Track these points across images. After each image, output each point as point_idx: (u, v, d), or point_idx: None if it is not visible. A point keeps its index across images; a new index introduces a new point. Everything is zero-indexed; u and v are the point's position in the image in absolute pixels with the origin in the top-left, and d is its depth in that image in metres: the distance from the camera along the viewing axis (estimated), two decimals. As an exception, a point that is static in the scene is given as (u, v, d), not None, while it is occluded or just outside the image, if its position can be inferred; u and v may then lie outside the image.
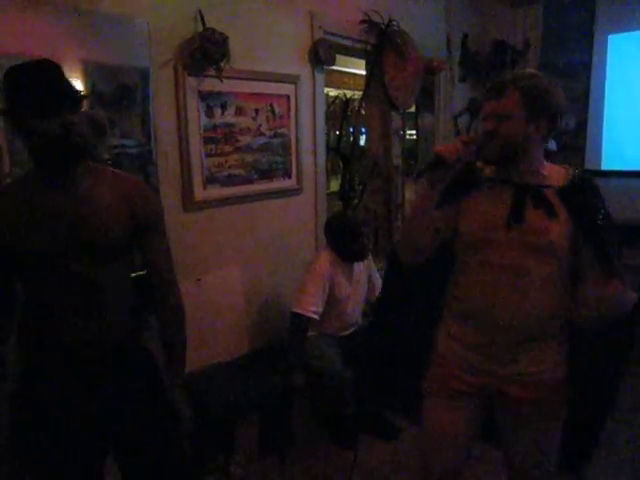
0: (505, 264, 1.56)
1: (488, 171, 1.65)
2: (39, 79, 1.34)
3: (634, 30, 4.18)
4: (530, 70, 1.62)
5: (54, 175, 1.42)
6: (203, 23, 2.57)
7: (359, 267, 3.02)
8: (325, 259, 2.88)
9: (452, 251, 1.68)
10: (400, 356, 2.01)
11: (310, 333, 2.90)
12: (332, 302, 2.88)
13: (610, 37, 4.27)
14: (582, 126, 4.46)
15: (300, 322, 2.79)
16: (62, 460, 1.49)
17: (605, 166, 4.44)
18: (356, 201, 3.79)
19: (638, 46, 4.21)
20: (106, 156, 2.31)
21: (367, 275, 3.10)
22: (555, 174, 1.59)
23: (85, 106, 1.51)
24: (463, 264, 1.66)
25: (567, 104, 1.59)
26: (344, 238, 2.89)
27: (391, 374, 2.16)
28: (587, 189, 1.56)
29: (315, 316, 2.79)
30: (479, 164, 1.66)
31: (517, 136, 1.52)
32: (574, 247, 1.54)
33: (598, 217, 1.54)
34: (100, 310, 1.47)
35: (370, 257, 3.14)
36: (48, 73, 1.37)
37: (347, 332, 3.02)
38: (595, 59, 4.32)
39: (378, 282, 3.14)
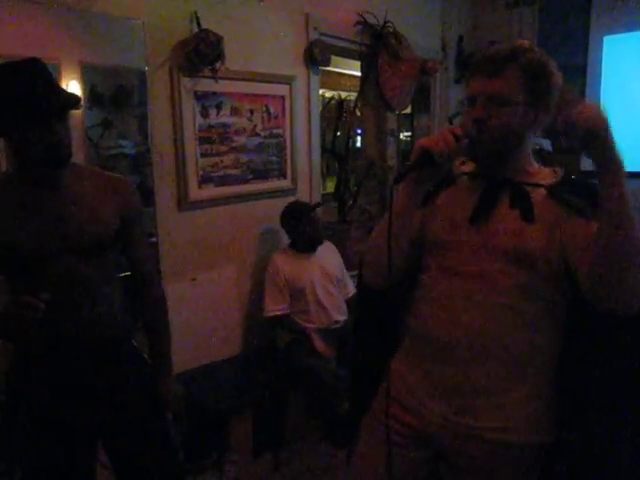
0: (466, 271, 1.26)
1: (464, 165, 1.38)
2: (27, 85, 1.31)
3: (630, 31, 4.18)
4: (524, 41, 1.26)
5: (39, 177, 1.42)
6: (198, 24, 2.59)
7: (319, 254, 3.06)
8: (276, 261, 2.98)
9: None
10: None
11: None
12: (298, 291, 2.95)
13: (606, 38, 4.27)
14: (577, 128, 4.47)
15: (271, 325, 2.99)
16: (52, 454, 1.51)
17: (600, 167, 4.45)
18: (351, 202, 3.80)
19: (634, 47, 4.22)
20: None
21: (335, 262, 3.14)
22: (543, 174, 1.32)
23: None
24: (422, 273, 1.37)
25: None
26: (298, 223, 2.97)
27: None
28: (581, 191, 1.25)
29: (279, 312, 2.93)
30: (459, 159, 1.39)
31: (515, 127, 1.23)
32: (563, 262, 1.20)
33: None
34: (89, 305, 1.48)
35: (333, 247, 3.21)
36: (37, 78, 1.33)
37: (337, 325, 3.01)
38: (590, 61, 4.32)
39: (348, 279, 3.21)
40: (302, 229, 2.98)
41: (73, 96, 1.42)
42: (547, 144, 4.48)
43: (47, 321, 1.42)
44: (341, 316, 3.06)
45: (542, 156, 4.45)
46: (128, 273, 1.68)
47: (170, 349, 1.73)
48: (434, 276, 1.33)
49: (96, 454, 1.63)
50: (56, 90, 1.38)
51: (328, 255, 3.14)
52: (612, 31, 4.25)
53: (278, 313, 2.93)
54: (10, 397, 1.54)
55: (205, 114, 2.77)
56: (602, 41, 4.28)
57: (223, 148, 2.87)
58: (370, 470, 1.41)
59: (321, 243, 3.06)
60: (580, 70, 4.34)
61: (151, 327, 1.71)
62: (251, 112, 2.98)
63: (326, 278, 3.04)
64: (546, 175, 1.32)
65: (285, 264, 2.96)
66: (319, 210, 3.21)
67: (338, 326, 3.02)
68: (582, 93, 4.35)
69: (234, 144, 2.92)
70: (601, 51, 4.29)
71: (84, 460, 1.59)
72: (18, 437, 1.52)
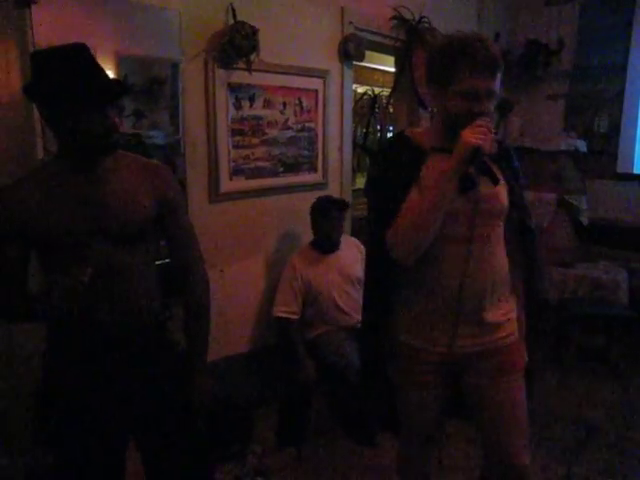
0: (464, 234, 1.55)
1: (426, 140, 1.60)
2: (78, 71, 1.31)
3: (673, 31, 4.08)
4: (493, 42, 1.57)
5: (81, 163, 1.42)
6: (234, 16, 2.59)
7: (339, 254, 2.99)
8: (293, 261, 2.92)
9: None
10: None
11: (326, 328, 2.90)
12: (315, 296, 2.89)
13: (648, 37, 4.17)
14: (615, 129, 4.37)
15: (278, 325, 2.91)
16: (85, 445, 1.51)
17: (638, 170, 4.35)
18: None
19: (677, 48, 4.12)
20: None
21: (357, 259, 3.01)
22: None
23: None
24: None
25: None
26: (322, 218, 2.90)
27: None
28: (512, 155, 1.69)
29: (287, 315, 2.86)
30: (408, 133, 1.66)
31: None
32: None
33: (520, 179, 1.69)
34: (123, 295, 1.48)
35: (357, 244, 3.12)
36: (91, 63, 1.34)
37: (359, 325, 2.85)
38: (631, 60, 4.22)
39: None
40: (321, 226, 2.92)
41: (121, 82, 1.43)
42: (582, 145, 4.40)
43: (86, 308, 1.43)
44: (359, 318, 2.98)
45: (577, 157, 4.39)
46: (166, 261, 1.67)
47: (207, 342, 1.70)
48: (442, 243, 1.55)
49: (126, 446, 1.64)
50: (100, 78, 1.38)
51: (350, 255, 3.03)
52: (655, 30, 4.15)
53: (287, 315, 2.86)
54: (45, 385, 1.55)
55: (238, 106, 2.77)
56: (644, 40, 4.18)
57: (255, 140, 2.88)
58: (420, 406, 1.75)
59: (335, 248, 2.98)
60: (620, 69, 4.24)
61: (190, 317, 1.68)
62: (284, 105, 2.98)
63: (346, 280, 2.95)
64: None
65: (303, 267, 2.90)
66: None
67: (356, 327, 2.94)
68: (622, 92, 4.25)
69: (266, 137, 2.92)
70: (643, 51, 4.19)
71: (115, 452, 1.59)
72: (52, 425, 1.52)
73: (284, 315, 2.86)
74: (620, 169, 4.38)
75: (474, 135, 1.41)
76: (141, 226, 1.50)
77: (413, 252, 1.53)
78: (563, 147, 4.38)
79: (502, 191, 1.59)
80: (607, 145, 4.41)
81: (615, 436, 2.90)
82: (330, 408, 2.98)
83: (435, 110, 1.61)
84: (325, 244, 2.97)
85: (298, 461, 2.69)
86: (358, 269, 2.99)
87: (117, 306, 1.48)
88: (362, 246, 3.12)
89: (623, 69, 4.24)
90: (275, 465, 2.63)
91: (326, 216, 2.90)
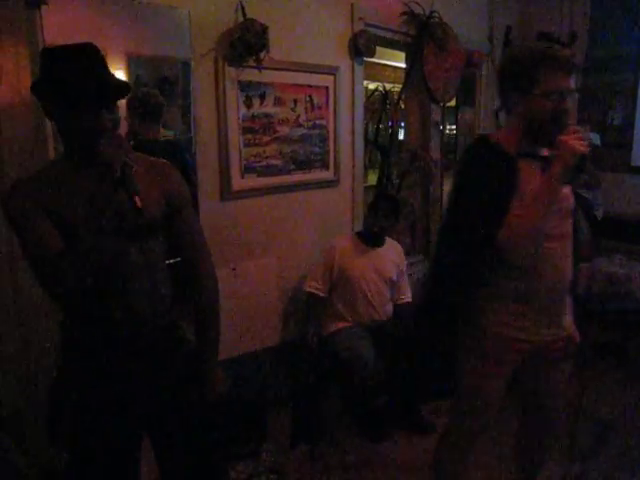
0: (557, 232, 1.69)
1: (510, 146, 1.67)
2: (86, 71, 1.31)
3: (688, 21, 4.01)
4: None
5: (86, 162, 1.41)
6: (244, 13, 2.59)
7: (380, 252, 3.05)
8: (336, 243, 3.02)
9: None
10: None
11: (343, 324, 2.92)
12: (346, 280, 2.94)
13: (662, 29, 4.11)
14: (629, 122, 4.31)
15: (307, 299, 3.03)
16: (97, 443, 1.51)
17: (652, 163, 4.29)
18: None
19: (691, 38, 4.05)
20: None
21: (395, 263, 3.09)
22: None
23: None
24: None
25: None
26: (371, 210, 3.01)
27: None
28: None
29: (313, 290, 2.97)
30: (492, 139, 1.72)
31: None
32: None
33: None
34: (135, 292, 1.48)
35: (400, 250, 3.17)
36: (95, 64, 1.35)
37: (378, 322, 2.99)
38: (645, 52, 4.16)
39: (405, 286, 3.18)
40: (367, 216, 3.06)
41: (123, 84, 1.43)
42: (596, 138, 4.34)
43: (98, 306, 1.44)
44: (383, 317, 3.03)
45: (591, 150, 4.33)
46: (176, 260, 1.66)
47: (218, 340, 1.70)
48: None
49: (140, 444, 1.64)
50: (107, 77, 1.37)
51: (390, 256, 3.09)
52: (669, 21, 4.08)
53: (313, 291, 2.96)
54: (58, 384, 1.56)
55: (249, 104, 2.77)
56: (658, 31, 4.12)
57: (266, 138, 2.87)
58: (493, 393, 1.83)
59: (379, 243, 3.05)
60: (635, 61, 4.18)
61: (199, 315, 1.68)
62: (295, 102, 2.97)
63: (379, 277, 3.00)
64: None
65: (343, 249, 2.98)
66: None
67: (377, 325, 2.99)
68: (635, 84, 4.19)
69: (277, 134, 2.92)
70: (657, 42, 4.12)
71: (128, 449, 1.59)
72: (65, 423, 1.53)
73: (311, 290, 2.98)
74: (635, 162, 4.32)
75: (578, 142, 1.51)
76: (150, 224, 1.49)
77: (532, 253, 1.66)
78: (577, 140, 4.32)
79: (569, 191, 1.73)
80: (621, 138, 4.35)
81: (632, 433, 2.87)
82: (343, 405, 2.98)
83: (515, 116, 1.70)
84: (367, 236, 3.04)
85: (312, 459, 2.68)
86: (393, 271, 3.08)
87: (129, 304, 1.47)
88: (402, 252, 3.22)
89: (637, 61, 4.18)
90: (289, 463, 2.63)
91: (372, 208, 3.01)
